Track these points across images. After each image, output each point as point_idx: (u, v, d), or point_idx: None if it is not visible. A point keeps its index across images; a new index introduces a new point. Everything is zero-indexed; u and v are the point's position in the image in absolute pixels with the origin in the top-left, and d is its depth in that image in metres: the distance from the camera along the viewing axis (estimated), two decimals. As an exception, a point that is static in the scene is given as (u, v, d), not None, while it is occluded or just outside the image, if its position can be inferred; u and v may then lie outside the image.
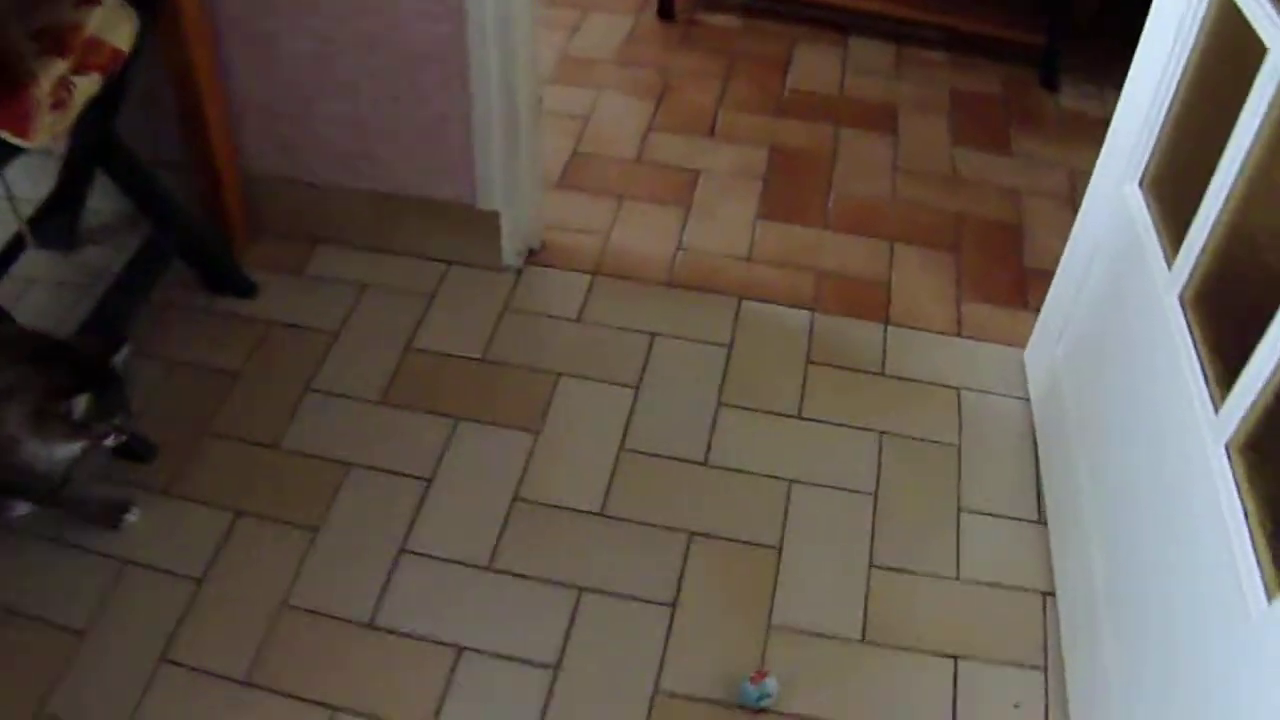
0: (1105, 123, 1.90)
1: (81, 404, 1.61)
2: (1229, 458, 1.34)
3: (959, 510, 1.94)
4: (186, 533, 1.85)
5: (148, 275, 2.18)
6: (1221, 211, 1.47)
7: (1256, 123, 1.39)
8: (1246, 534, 1.26)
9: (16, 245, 2.12)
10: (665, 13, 3.06)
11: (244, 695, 1.65)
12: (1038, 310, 2.16)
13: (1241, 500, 1.29)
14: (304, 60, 2.12)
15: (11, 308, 2.02)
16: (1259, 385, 1.29)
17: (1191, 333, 1.51)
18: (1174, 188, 1.69)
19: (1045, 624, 1.79)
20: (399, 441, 2.00)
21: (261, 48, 2.12)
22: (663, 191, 2.55)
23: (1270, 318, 1.27)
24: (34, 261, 2.14)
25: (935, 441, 2.05)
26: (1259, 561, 1.23)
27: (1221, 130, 1.47)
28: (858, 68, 2.95)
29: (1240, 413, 1.33)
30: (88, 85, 1.79)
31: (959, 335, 2.24)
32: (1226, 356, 1.41)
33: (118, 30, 1.84)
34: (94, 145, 2.09)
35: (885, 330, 2.23)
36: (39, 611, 1.74)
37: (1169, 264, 1.60)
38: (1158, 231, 1.67)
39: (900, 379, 2.15)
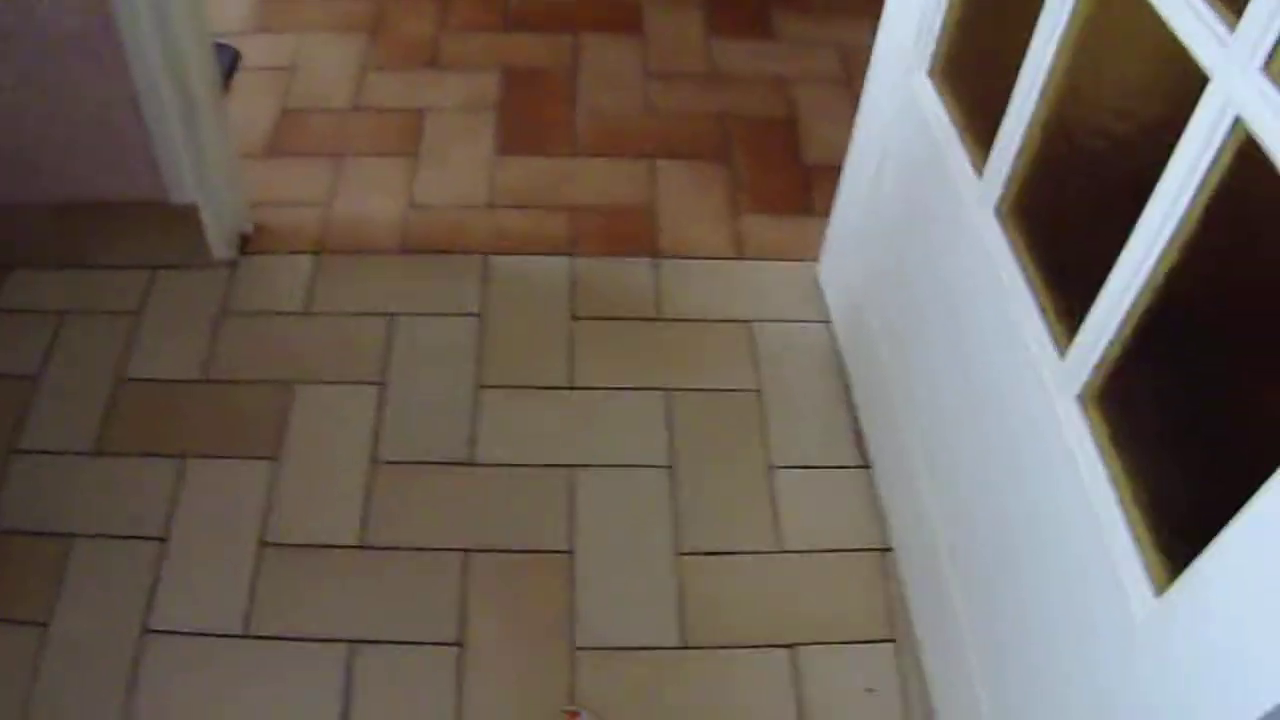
0: None
1: None
2: (1084, 411, 1.11)
3: (769, 469, 1.73)
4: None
5: None
6: (1038, 104, 1.21)
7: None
8: (1119, 514, 1.04)
9: None
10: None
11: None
12: (826, 214, 1.93)
13: (1106, 466, 1.07)
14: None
15: None
16: (1114, 322, 1.05)
17: (1017, 257, 1.26)
18: (974, 78, 1.44)
19: (887, 589, 1.60)
20: (123, 498, 1.69)
21: None
22: (385, 141, 2.23)
23: (1121, 233, 1.03)
24: None
25: (731, 390, 1.83)
26: (1137, 545, 1.01)
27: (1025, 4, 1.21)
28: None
29: (1093, 356, 1.09)
30: None
31: (741, 258, 2.02)
32: (1066, 286, 1.18)
33: None
34: None
35: (656, 266, 1.99)
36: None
37: (978, 171, 1.35)
38: (959, 132, 1.42)
39: (680, 320, 1.92)
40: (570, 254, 2.01)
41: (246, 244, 2.04)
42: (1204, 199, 0.93)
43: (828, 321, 1.92)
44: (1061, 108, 1.20)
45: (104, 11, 1.69)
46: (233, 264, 2.01)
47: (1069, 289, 1.17)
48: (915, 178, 1.58)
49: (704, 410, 1.80)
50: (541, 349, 1.88)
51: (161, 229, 1.94)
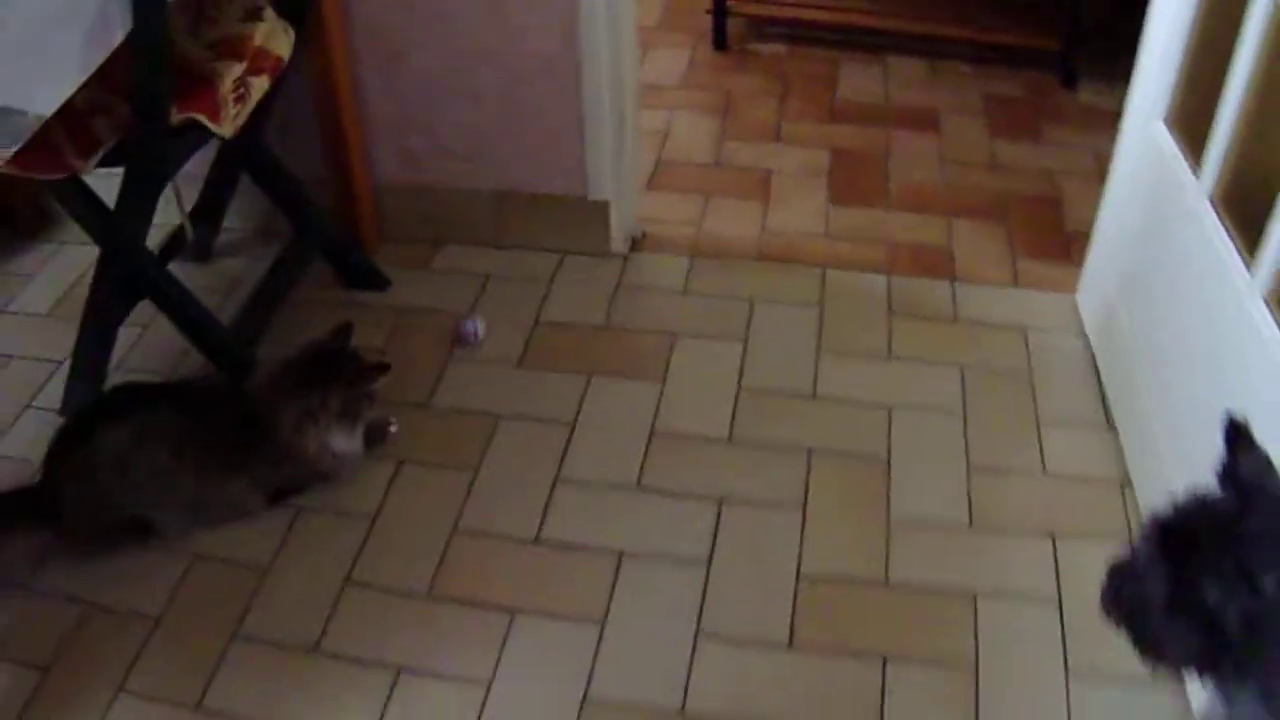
0: (1119, 114, 2.20)
1: (360, 397, 1.98)
2: (1268, 307, 1.57)
3: (1038, 424, 2.16)
4: (358, 480, 2.07)
5: (292, 272, 2.40)
6: (1238, 113, 1.73)
7: (1255, 41, 1.65)
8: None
9: (179, 238, 2.38)
10: (720, 44, 3.37)
11: (429, 608, 1.87)
12: (1081, 264, 2.42)
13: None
14: (431, 75, 2.39)
15: (150, 318, 2.28)
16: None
17: (1223, 221, 1.75)
18: (1194, 116, 1.93)
19: (1126, 510, 1.99)
20: (540, 396, 2.23)
21: (392, 65, 2.39)
22: (741, 188, 2.81)
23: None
24: (174, 271, 2.30)
25: (1009, 371, 2.28)
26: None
27: (1227, 60, 1.73)
28: (897, 80, 3.25)
29: (1271, 266, 1.56)
30: (260, 84, 2.07)
31: (1016, 286, 2.49)
32: (1254, 231, 1.64)
33: (279, 41, 2.13)
34: (244, 151, 2.33)
35: (953, 286, 2.48)
36: (229, 554, 1.97)
37: (1196, 175, 1.85)
38: (1184, 154, 1.93)
39: (971, 322, 2.40)
40: (887, 273, 2.52)
41: (635, 245, 2.62)
42: None
43: (1083, 334, 2.36)
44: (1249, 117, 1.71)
45: (573, 42, 2.30)
46: (625, 257, 2.59)
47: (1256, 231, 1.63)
48: (1153, 197, 2.06)
49: (989, 382, 2.25)
50: (866, 331, 2.37)
51: (577, 221, 2.53)
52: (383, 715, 1.70)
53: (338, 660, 1.79)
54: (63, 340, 2.29)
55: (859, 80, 3.26)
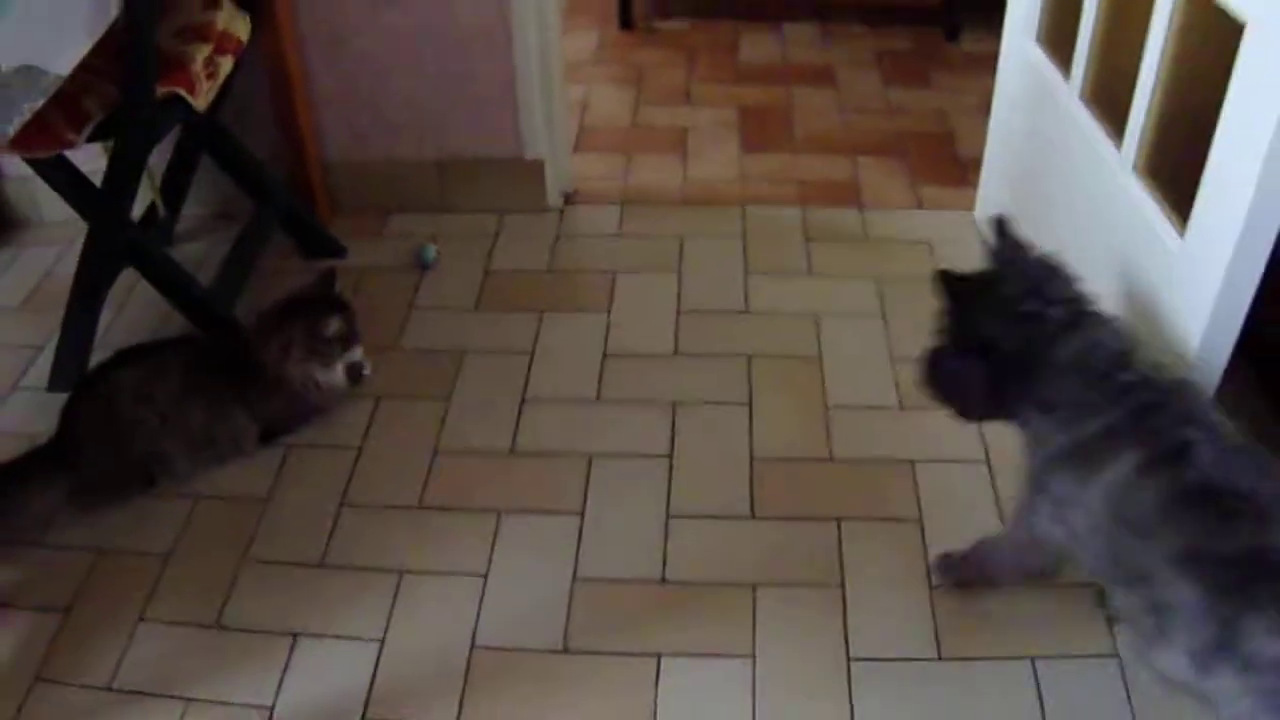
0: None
1: (334, 325, 2.12)
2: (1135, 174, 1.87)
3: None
4: (341, 418, 2.24)
5: (256, 244, 2.55)
6: (1094, 28, 2.03)
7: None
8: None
9: (151, 217, 2.53)
10: (626, 24, 3.63)
11: (422, 517, 2.05)
12: (976, 185, 2.69)
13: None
14: (374, 55, 2.58)
15: (124, 298, 2.48)
16: (1140, 117, 1.83)
17: (1093, 115, 2.05)
18: (1059, 33, 2.24)
19: None
20: (499, 333, 2.43)
21: (338, 47, 2.58)
22: (660, 145, 3.04)
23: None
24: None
25: (918, 278, 2.43)
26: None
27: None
28: (794, 44, 3.53)
29: (1134, 143, 1.86)
30: (226, 64, 2.27)
31: (920, 209, 2.76)
32: (1117, 119, 1.93)
33: (238, 25, 2.34)
34: (206, 133, 2.49)
35: (862, 213, 2.74)
36: (229, 491, 2.13)
37: (1066, 81, 2.15)
38: (1055, 65, 2.23)
39: (881, 241, 2.65)
40: (801, 205, 2.76)
41: (569, 200, 2.83)
42: None
43: (983, 243, 2.58)
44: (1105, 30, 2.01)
45: (506, 17, 2.52)
46: (561, 211, 2.80)
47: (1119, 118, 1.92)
48: (1031, 105, 2.35)
49: (905, 290, 2.49)
50: (788, 254, 2.61)
51: (514, 181, 2.73)
52: (391, 612, 1.87)
53: (343, 571, 1.96)
54: (39, 329, 2.46)
55: (759, 46, 3.53)
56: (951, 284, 1.66)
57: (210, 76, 2.20)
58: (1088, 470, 1.52)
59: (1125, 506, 1.47)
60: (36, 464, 2.04)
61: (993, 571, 1.85)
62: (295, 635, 1.85)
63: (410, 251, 2.65)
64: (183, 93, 2.11)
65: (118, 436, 2.05)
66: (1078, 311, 1.60)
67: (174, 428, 2.08)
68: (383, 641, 1.83)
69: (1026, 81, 2.37)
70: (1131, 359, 1.57)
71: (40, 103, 1.59)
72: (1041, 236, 2.31)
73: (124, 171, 2.14)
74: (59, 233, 2.79)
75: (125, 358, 2.13)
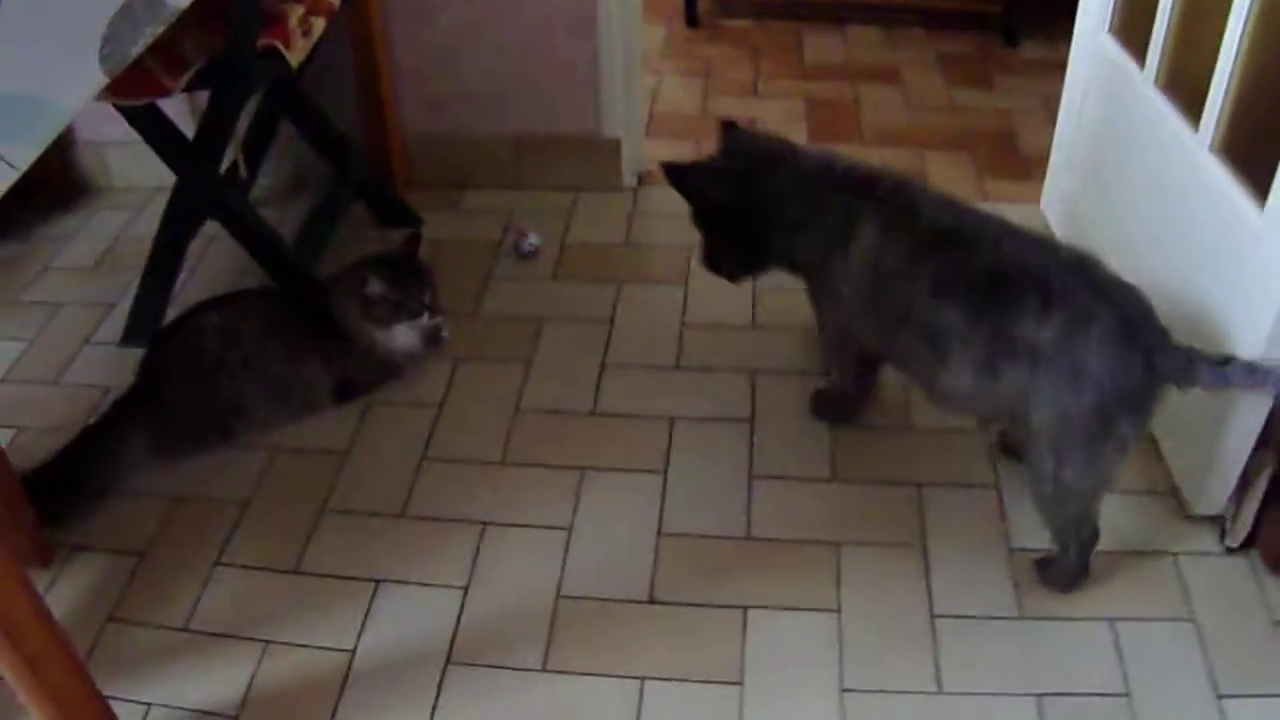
0: (1060, 65, 2.51)
1: (374, 284, 2.11)
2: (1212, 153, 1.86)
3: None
4: (420, 378, 2.24)
5: (335, 212, 2.58)
6: (1170, 16, 2.04)
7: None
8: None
9: (233, 174, 2.53)
10: (692, 21, 3.66)
11: (505, 472, 2.04)
12: (1040, 180, 2.70)
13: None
14: (457, 29, 2.59)
15: (196, 263, 2.49)
16: (1218, 96, 1.84)
17: (1168, 100, 2.04)
18: (1132, 24, 2.25)
19: None
20: (577, 302, 2.43)
21: (423, 19, 2.59)
22: (729, 133, 3.07)
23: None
24: (212, 222, 2.41)
25: None
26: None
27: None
28: (856, 44, 3.55)
29: (1210, 123, 1.85)
30: (318, 24, 2.28)
31: (986, 200, 2.74)
32: (1194, 103, 1.92)
33: (331, -10, 2.35)
34: (286, 96, 2.51)
35: (930, 203, 2.76)
36: (307, 443, 2.13)
37: (1141, 69, 2.15)
38: (1129, 54, 2.23)
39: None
40: (869, 193, 2.76)
41: (641, 180, 2.84)
42: None
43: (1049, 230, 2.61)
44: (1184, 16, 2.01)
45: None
46: (635, 190, 2.81)
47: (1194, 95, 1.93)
48: (1105, 96, 2.34)
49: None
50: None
51: (589, 158, 2.74)
52: (475, 561, 1.87)
53: (425, 521, 1.95)
54: (110, 289, 2.48)
55: (822, 46, 3.55)
56: (673, 173, 2.00)
57: (305, 34, 2.21)
58: (844, 245, 1.79)
59: (882, 261, 1.75)
60: (122, 415, 2.04)
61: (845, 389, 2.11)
62: (377, 581, 1.84)
63: (510, 242, 2.63)
64: (279, 46, 2.12)
65: (204, 375, 2.05)
66: (778, 151, 1.95)
67: (254, 374, 2.08)
68: (466, 589, 1.82)
69: (1100, 73, 2.37)
70: (834, 160, 1.89)
71: (161, 30, 1.59)
72: (1117, 222, 2.36)
73: (218, 124, 2.15)
74: (130, 198, 2.82)
75: (207, 305, 2.13)
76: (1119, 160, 2.29)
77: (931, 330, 1.70)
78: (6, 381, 2.28)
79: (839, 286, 1.84)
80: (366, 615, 1.78)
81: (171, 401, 2.04)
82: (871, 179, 1.82)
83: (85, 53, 1.47)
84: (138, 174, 2.73)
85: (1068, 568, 1.77)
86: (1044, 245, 1.72)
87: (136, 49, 1.60)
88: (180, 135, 2.21)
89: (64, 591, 1.84)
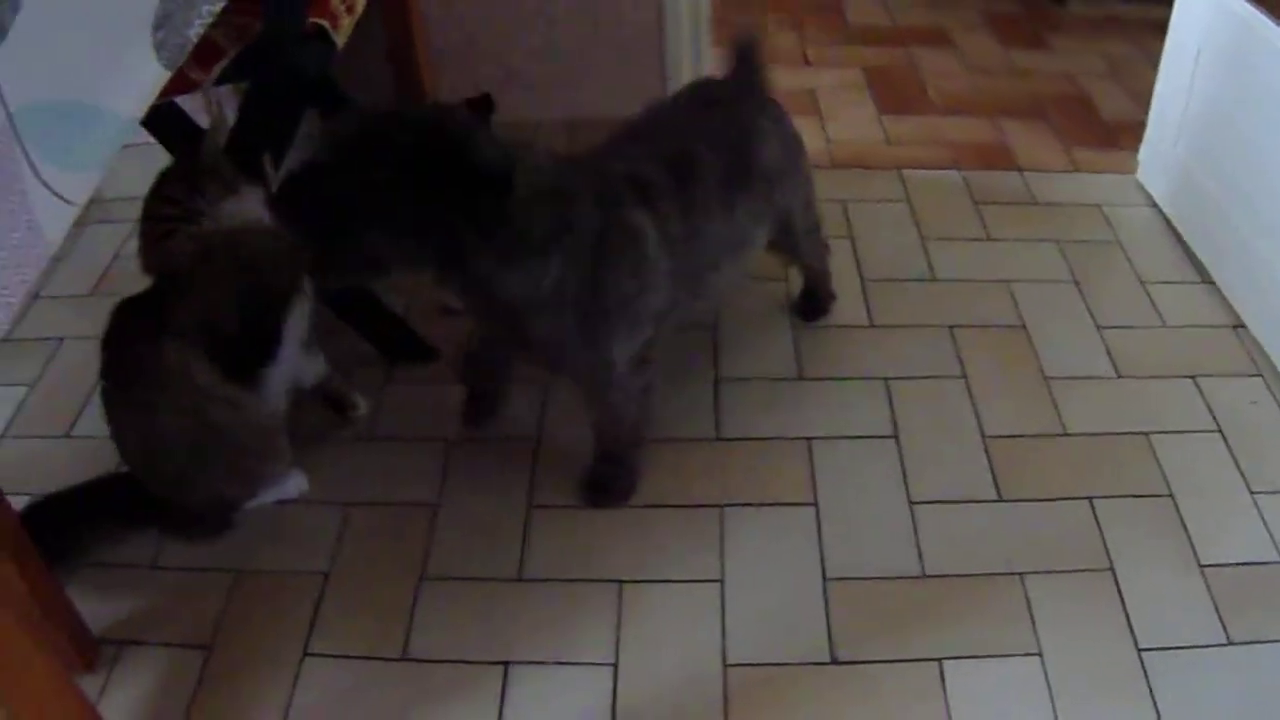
0: (1115, 19, 2.25)
1: None
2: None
3: (1143, 285, 2.14)
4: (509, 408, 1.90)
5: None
6: None
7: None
8: None
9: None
10: (717, -12, 3.32)
11: (637, 517, 1.72)
12: (1131, 150, 2.44)
13: None
14: (499, 2, 2.25)
15: None
16: None
17: None
18: None
19: (1246, 348, 1.99)
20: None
21: (458, -4, 2.24)
22: (791, 106, 2.68)
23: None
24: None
25: (1100, 243, 2.26)
26: None
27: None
28: (898, 6, 3.23)
29: None
30: (361, 2, 1.91)
31: (1078, 171, 2.48)
32: None
33: (372, -33, 1.97)
34: (312, 83, 2.14)
35: (1022, 175, 2.45)
36: (389, 496, 1.77)
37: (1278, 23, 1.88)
38: (1261, 11, 1.95)
39: (1050, 204, 2.37)
40: (958, 168, 2.47)
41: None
42: None
43: (1154, 205, 2.35)
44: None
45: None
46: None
47: None
48: (1230, 56, 2.06)
49: (1087, 252, 2.22)
50: (961, 219, 2.31)
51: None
52: (620, 628, 1.54)
53: (548, 584, 1.62)
54: None
55: (862, 7, 3.24)
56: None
57: (349, 11, 1.85)
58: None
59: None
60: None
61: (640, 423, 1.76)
62: (506, 665, 1.51)
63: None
64: (326, 25, 1.75)
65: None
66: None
67: None
68: (615, 665, 1.50)
69: (1221, 36, 2.09)
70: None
71: (220, 6, 1.24)
72: (1246, 200, 2.08)
73: (262, 122, 1.76)
74: (123, 210, 2.33)
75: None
76: (1250, 132, 2.01)
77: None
78: (10, 437, 1.89)
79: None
80: (501, 707, 1.45)
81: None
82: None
83: (136, 42, 1.13)
84: (131, 181, 2.31)
85: None
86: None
87: (194, 31, 1.24)
88: (201, 132, 1.82)
89: (119, 700, 1.48)
